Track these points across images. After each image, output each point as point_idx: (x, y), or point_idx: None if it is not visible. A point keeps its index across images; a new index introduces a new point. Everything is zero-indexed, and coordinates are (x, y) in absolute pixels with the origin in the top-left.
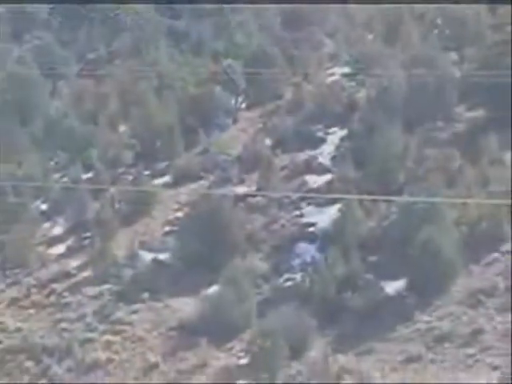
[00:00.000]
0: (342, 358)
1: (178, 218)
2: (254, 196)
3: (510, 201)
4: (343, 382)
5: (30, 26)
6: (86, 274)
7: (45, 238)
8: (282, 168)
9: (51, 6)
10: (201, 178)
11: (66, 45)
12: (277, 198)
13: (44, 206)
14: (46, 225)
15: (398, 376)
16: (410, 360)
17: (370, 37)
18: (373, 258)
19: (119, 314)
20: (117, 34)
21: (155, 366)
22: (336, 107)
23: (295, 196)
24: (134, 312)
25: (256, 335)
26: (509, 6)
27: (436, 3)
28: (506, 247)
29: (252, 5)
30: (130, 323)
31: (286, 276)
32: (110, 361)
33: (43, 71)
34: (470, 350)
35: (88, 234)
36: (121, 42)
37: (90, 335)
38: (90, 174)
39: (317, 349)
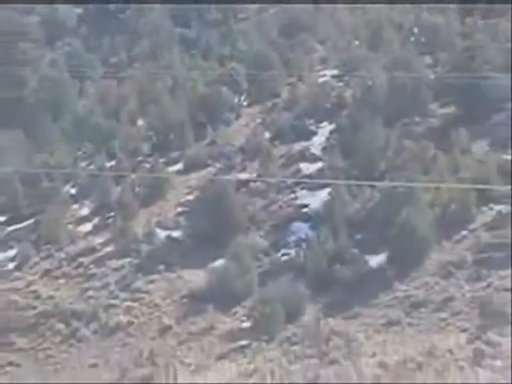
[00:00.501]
0: (331, 322)
1: (188, 201)
2: (254, 181)
3: (477, 186)
4: (332, 342)
5: (60, 34)
6: (109, 249)
7: (73, 218)
8: (280, 157)
9: (80, 14)
10: (208, 165)
11: (92, 50)
12: (275, 183)
13: (73, 190)
14: (75, 206)
15: (380, 337)
16: (390, 323)
17: (356, 43)
18: (358, 236)
19: (138, 284)
20: (136, 41)
21: (169, 328)
22: (326, 104)
23: (290, 181)
24: (151, 282)
25: (257, 302)
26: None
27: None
28: (474, 226)
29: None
30: (147, 292)
31: (283, 251)
32: (130, 324)
33: (72, 73)
34: (442, 315)
35: (111, 215)
36: (139, 48)
37: (112, 302)
38: (112, 163)
39: (309, 314)
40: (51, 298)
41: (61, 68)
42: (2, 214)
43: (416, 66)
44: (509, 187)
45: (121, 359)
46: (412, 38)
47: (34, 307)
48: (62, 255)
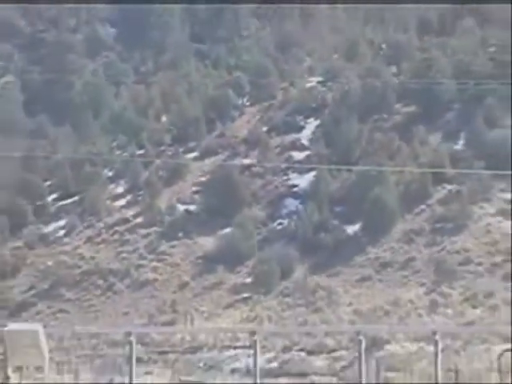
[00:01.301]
0: (316, 278)
1: (202, 182)
2: (255, 166)
3: (433, 169)
4: (317, 294)
5: (100, 48)
6: (139, 219)
7: (110, 195)
8: (275, 147)
9: (115, 31)
10: (218, 153)
11: (125, 61)
12: (271, 167)
13: (110, 173)
14: (112, 186)
15: (355, 290)
16: (363, 279)
17: (336, 56)
18: (338, 209)
19: (162, 248)
20: (160, 54)
21: (187, 283)
22: (312, 104)
23: (284, 166)
24: (172, 246)
25: (257, 263)
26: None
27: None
28: (430, 201)
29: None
30: (169, 254)
31: (278, 221)
32: (155, 280)
33: (109, 80)
34: (405, 273)
35: (140, 193)
36: (163, 59)
37: (141, 262)
38: (141, 151)
39: (299, 272)
40: (93, 258)
41: (100, 76)
42: (54, 192)
43: (384, 74)
44: (458, 170)
45: (148, 308)
46: (381, 52)
47: (79, 266)
48: (102, 225)
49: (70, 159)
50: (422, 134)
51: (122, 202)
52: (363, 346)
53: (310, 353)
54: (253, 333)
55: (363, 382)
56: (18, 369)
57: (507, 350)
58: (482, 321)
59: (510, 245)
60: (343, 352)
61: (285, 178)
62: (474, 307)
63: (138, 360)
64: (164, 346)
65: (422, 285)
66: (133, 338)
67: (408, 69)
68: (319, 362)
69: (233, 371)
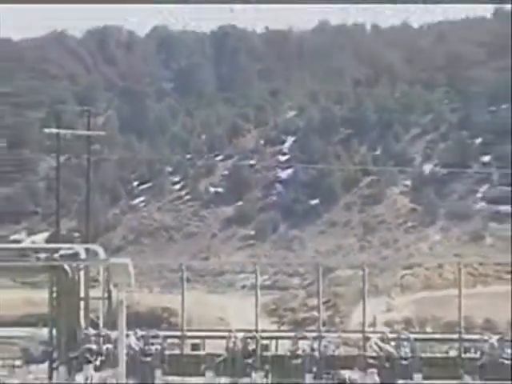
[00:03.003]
0: (293, 232)
1: (225, 174)
2: (256, 165)
3: (363, 167)
4: (293, 242)
5: (164, 96)
6: (187, 197)
7: (170, 182)
8: (269, 153)
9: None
10: (234, 157)
11: (178, 103)
12: (266, 166)
13: (170, 169)
14: (171, 177)
15: (317, 239)
16: (321, 233)
17: (306, 101)
18: (306, 191)
19: (201, 213)
20: (200, 98)
21: (216, 235)
22: (291, 128)
23: (274, 165)
24: (207, 213)
25: (257, 222)
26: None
27: None
28: (361, 185)
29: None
30: (205, 217)
31: (269, 198)
32: (197, 233)
33: (169, 113)
34: (346, 229)
35: (189, 181)
36: (202, 102)
37: (189, 222)
38: (189, 156)
39: (282, 228)
40: (160, 220)
41: (164, 111)
42: (137, 180)
43: (332, 110)
44: (377, 167)
45: (193, 249)
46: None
47: (152, 225)
48: (165, 200)
49: (146, 160)
50: (356, 146)
51: (178, 186)
52: (320, 271)
53: (289, 275)
54: (255, 264)
55: (320, 291)
56: (115, 285)
57: (406, 274)
58: (392, 257)
59: (407, 211)
60: (309, 275)
61: (274, 172)
62: (387, 248)
63: (187, 280)
64: (202, 272)
65: (355, 235)
66: (183, 267)
67: (346, 107)
68: (295, 281)
69: (243, 287)
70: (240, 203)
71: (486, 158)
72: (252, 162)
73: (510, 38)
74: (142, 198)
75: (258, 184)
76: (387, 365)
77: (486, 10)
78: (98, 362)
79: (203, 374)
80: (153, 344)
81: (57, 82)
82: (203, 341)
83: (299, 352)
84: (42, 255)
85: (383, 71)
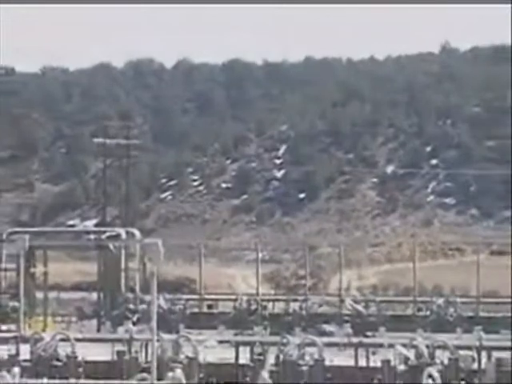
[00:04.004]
0: (286, 219)
1: (233, 174)
2: (256, 166)
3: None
4: (286, 226)
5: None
6: (204, 191)
7: (190, 179)
8: (266, 157)
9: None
10: (240, 160)
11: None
12: (264, 167)
13: (191, 169)
14: (191, 176)
15: (305, 224)
16: (307, 220)
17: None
18: (296, 186)
19: (214, 204)
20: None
21: (226, 221)
22: (283, 138)
23: (270, 166)
24: (220, 204)
25: (258, 211)
26: None
27: None
28: (338, 182)
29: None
30: (218, 206)
31: (268, 191)
32: (212, 219)
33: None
34: (326, 215)
35: (205, 179)
36: (223, 130)
37: (206, 210)
38: (205, 159)
39: (277, 215)
40: (185, 208)
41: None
42: (166, 178)
43: (317, 125)
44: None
45: (208, 230)
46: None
47: (177, 212)
48: (186, 194)
49: (172, 163)
50: (334, 152)
51: (196, 183)
52: (307, 249)
53: (283, 252)
54: (256, 243)
55: (307, 264)
56: (149, 259)
57: (374, 251)
58: (362, 237)
59: (374, 202)
60: (298, 252)
61: (271, 172)
62: (358, 230)
63: (203, 256)
64: (215, 249)
65: (333, 221)
66: (201, 246)
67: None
68: (287, 256)
69: (247, 261)
70: (245, 196)
71: (434, 161)
72: (254, 164)
73: (454, 68)
74: (168, 193)
75: (259, 181)
76: (358, 320)
77: (435, 47)
78: (135, 319)
79: (216, 328)
80: (177, 305)
81: (103, 103)
82: (216, 302)
83: (290, 311)
84: (92, 236)
85: (355, 95)
